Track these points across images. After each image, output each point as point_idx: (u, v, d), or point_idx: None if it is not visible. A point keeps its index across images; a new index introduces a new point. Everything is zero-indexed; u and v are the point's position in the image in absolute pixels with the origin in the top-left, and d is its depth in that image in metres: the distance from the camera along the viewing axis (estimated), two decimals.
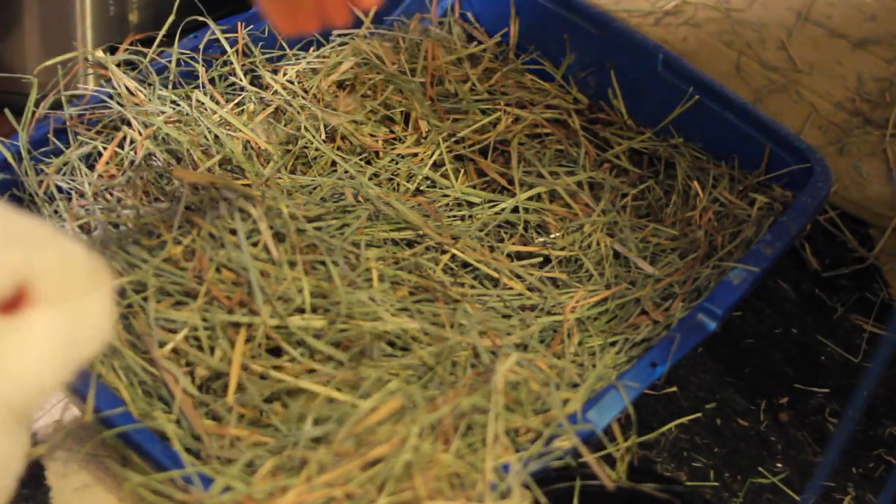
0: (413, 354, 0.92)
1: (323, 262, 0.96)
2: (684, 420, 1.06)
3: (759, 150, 1.14)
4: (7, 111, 1.05)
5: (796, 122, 1.37)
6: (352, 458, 0.80)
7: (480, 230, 1.09)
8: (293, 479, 0.79)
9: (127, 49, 1.11)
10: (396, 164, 1.14)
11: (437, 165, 1.16)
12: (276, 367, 0.89)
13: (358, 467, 0.79)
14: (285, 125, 1.12)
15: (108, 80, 1.08)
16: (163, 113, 1.07)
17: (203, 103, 1.10)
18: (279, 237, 0.96)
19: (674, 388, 1.09)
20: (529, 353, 0.95)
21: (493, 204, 1.12)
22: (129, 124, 1.06)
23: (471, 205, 1.13)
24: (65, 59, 1.09)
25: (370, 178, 1.11)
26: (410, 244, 1.05)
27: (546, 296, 1.03)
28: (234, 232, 0.95)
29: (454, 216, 1.11)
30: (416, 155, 1.15)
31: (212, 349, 0.90)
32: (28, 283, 0.62)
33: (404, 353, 0.93)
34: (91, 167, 1.05)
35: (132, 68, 1.10)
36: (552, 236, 1.11)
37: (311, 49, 1.22)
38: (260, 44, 1.17)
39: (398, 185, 1.13)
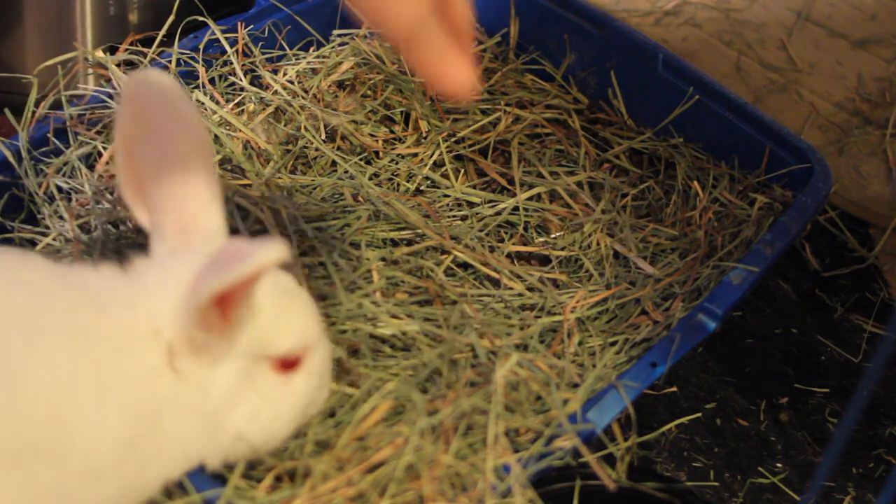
0: (412, 355, 0.92)
1: (322, 263, 0.96)
2: (684, 420, 1.06)
3: (759, 150, 1.14)
4: (7, 111, 1.05)
5: (796, 122, 1.37)
6: (353, 462, 0.80)
7: (480, 230, 1.09)
8: (296, 489, 0.79)
9: (127, 49, 1.11)
10: (396, 164, 1.14)
11: (437, 165, 1.16)
12: None
13: (360, 472, 0.79)
14: (285, 125, 1.12)
15: (108, 80, 1.08)
16: None
17: (203, 103, 1.10)
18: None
19: (674, 388, 1.09)
20: (529, 353, 0.95)
21: (493, 204, 1.12)
22: None
23: (471, 205, 1.13)
24: (65, 59, 1.09)
25: (370, 178, 1.11)
26: (411, 244, 1.05)
27: (546, 296, 1.03)
28: (234, 232, 0.95)
29: (454, 216, 1.11)
30: (416, 155, 1.15)
31: None
32: (303, 352, 0.77)
33: (404, 353, 0.93)
34: (91, 167, 1.05)
35: (132, 68, 1.10)
36: (552, 236, 1.11)
37: (311, 49, 1.22)
38: (260, 44, 1.17)
39: (398, 185, 1.13)
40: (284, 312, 0.76)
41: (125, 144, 0.77)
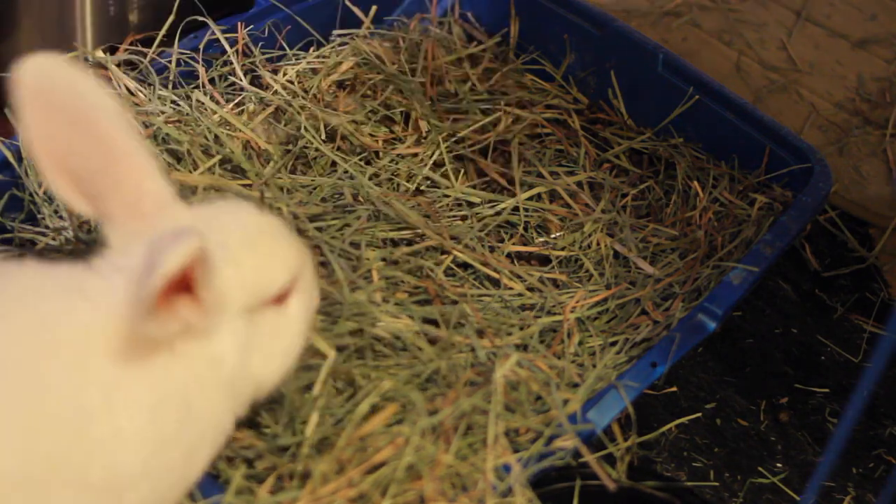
0: (412, 355, 0.92)
1: (323, 263, 0.96)
2: (684, 420, 1.06)
3: (759, 150, 1.14)
4: (7, 111, 1.05)
5: (796, 122, 1.37)
6: (354, 463, 0.80)
7: (480, 230, 1.09)
8: (297, 492, 0.79)
9: (127, 49, 1.11)
10: (396, 164, 1.14)
11: (437, 165, 1.16)
12: None
13: (361, 473, 0.79)
14: (285, 125, 1.12)
15: (109, 80, 1.08)
16: (163, 113, 1.07)
17: (203, 103, 1.10)
18: None
19: (674, 388, 1.09)
20: (529, 353, 0.95)
21: (493, 204, 1.12)
22: None
23: (471, 205, 1.13)
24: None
25: (370, 178, 1.11)
26: (411, 244, 1.05)
27: (546, 296, 1.02)
28: None
29: (454, 216, 1.11)
30: (416, 155, 1.15)
31: None
32: (294, 281, 0.78)
33: (404, 353, 0.93)
34: None
35: (132, 68, 1.10)
36: (552, 236, 1.11)
37: (311, 49, 1.22)
38: (260, 44, 1.17)
39: (398, 185, 1.13)
40: (267, 256, 0.76)
41: (40, 142, 0.72)
